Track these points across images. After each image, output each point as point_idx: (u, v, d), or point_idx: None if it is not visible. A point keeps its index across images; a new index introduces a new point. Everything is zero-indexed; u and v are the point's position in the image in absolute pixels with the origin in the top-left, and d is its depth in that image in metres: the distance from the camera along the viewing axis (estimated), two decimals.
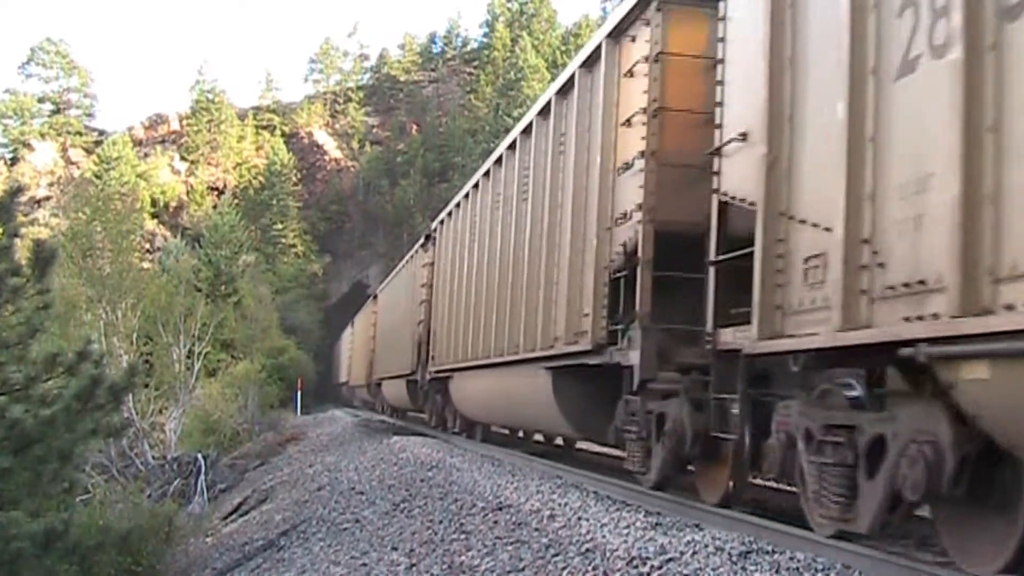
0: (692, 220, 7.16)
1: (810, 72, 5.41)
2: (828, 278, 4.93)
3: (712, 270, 6.47)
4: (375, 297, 30.74)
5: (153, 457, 20.52)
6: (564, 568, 5.16)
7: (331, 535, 8.92)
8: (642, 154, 7.52)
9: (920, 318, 4.16)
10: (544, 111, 10.88)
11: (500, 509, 7.22)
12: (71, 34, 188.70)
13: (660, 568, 4.63)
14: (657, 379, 7.24)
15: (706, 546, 4.89)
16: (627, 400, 7.74)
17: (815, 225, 5.14)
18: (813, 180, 5.26)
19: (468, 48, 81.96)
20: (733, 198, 6.23)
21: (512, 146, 12.44)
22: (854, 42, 4.82)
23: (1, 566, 8.21)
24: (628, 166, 7.85)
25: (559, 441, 14.99)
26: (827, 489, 4.96)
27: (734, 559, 4.58)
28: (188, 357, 25.89)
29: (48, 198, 60.38)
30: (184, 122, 73.37)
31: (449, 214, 17.21)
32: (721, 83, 6.52)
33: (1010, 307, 3.67)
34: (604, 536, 5.52)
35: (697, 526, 5.64)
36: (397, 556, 6.98)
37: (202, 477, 19.09)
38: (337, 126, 76.61)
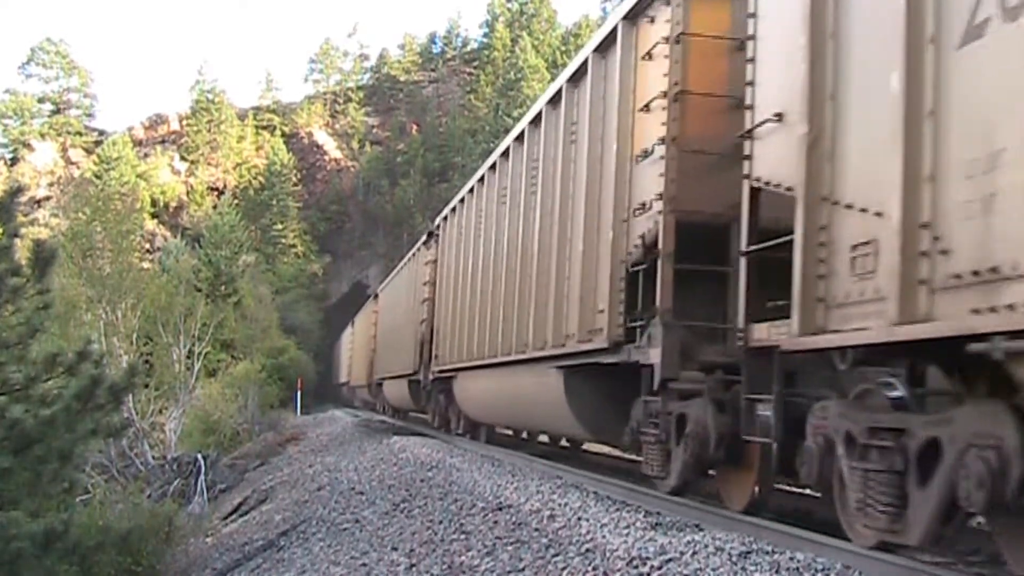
0: (715, 210, 6.86)
1: (855, 44, 5.02)
2: (880, 267, 4.54)
3: (743, 261, 6.05)
4: (376, 296, 30.49)
5: (153, 457, 20.52)
6: (564, 568, 5.16)
7: (331, 535, 8.92)
8: (662, 140, 7.13)
9: (993, 310, 3.79)
10: (554, 100, 10.44)
11: (500, 509, 7.22)
12: (71, 34, 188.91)
13: (660, 568, 4.63)
14: (679, 378, 6.87)
15: (706, 546, 4.88)
16: (646, 401, 7.40)
17: (863, 210, 4.74)
18: (860, 161, 4.88)
19: (468, 48, 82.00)
20: (767, 183, 5.84)
21: (520, 138, 12.00)
22: (910, 9, 4.43)
23: (1, 566, 8.21)
24: (647, 154, 7.46)
25: (564, 443, 14.76)
26: (873, 498, 4.59)
27: (734, 559, 4.58)
28: (188, 357, 25.91)
29: (48, 198, 60.41)
30: (184, 122, 73.42)
31: (453, 210, 16.74)
32: (752, 61, 6.12)
33: None
34: (604, 536, 5.52)
35: (697, 526, 5.64)
36: (397, 556, 6.98)
37: (202, 477, 19.09)
38: (337, 126, 76.64)
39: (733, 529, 5.53)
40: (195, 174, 70.20)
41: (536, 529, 6.23)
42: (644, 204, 7.44)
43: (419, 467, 11.17)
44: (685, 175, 7.02)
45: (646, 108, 7.55)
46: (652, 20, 7.77)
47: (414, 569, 6.47)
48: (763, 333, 5.78)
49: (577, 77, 9.63)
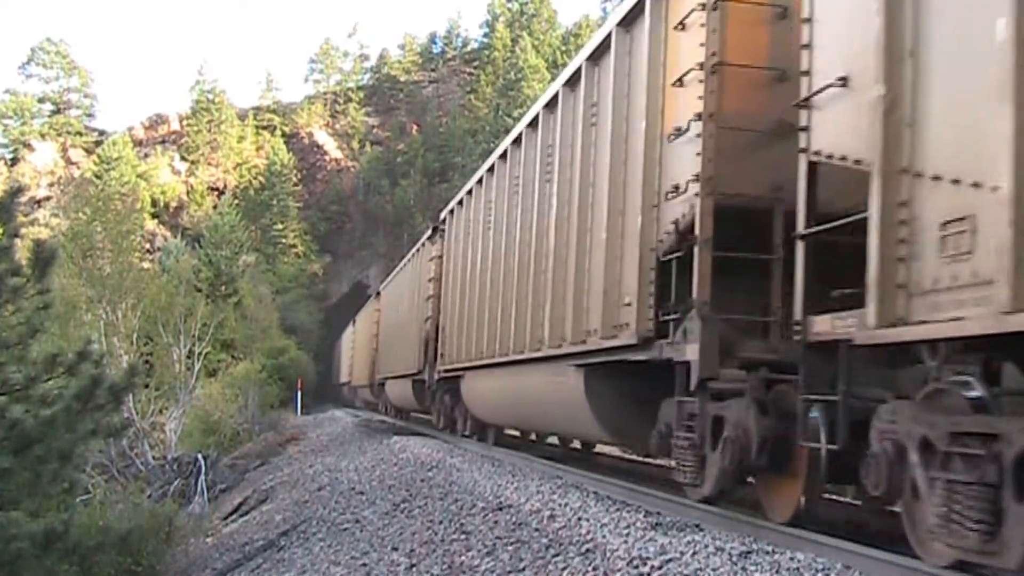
0: (756, 193, 6.36)
1: None
2: (980, 246, 3.97)
3: (800, 246, 5.45)
4: (378, 294, 30.10)
5: (153, 457, 20.53)
6: (564, 568, 5.16)
7: (331, 535, 8.92)
8: (699, 116, 6.49)
9: None
10: (572, 80, 9.76)
11: (500, 509, 7.22)
12: (71, 34, 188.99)
13: (660, 568, 4.63)
14: (719, 377, 6.28)
15: (706, 546, 4.89)
16: (680, 402, 6.73)
17: (955, 181, 4.17)
18: (950, 126, 4.30)
19: (468, 48, 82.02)
20: (829, 156, 5.25)
21: (533, 124, 11.28)
22: None
23: (1, 566, 8.21)
24: (680, 132, 6.81)
25: (576, 444, 14.34)
26: (960, 513, 4.07)
27: (734, 559, 4.58)
28: (188, 357, 25.91)
29: (48, 198, 60.44)
30: (184, 122, 73.45)
31: (460, 203, 16.00)
32: (808, 21, 5.53)
33: None
34: (604, 536, 5.52)
35: (697, 526, 5.64)
36: (397, 556, 6.98)
37: (202, 477, 19.09)
38: (337, 126, 76.67)
39: (733, 529, 5.53)
40: (195, 174, 70.23)
41: (536, 529, 6.23)
42: (677, 187, 6.80)
43: (419, 467, 11.17)
44: (724, 154, 6.41)
45: (679, 82, 6.93)
46: None
47: (414, 569, 6.47)
48: (825, 326, 5.20)
49: (598, 54, 8.97)
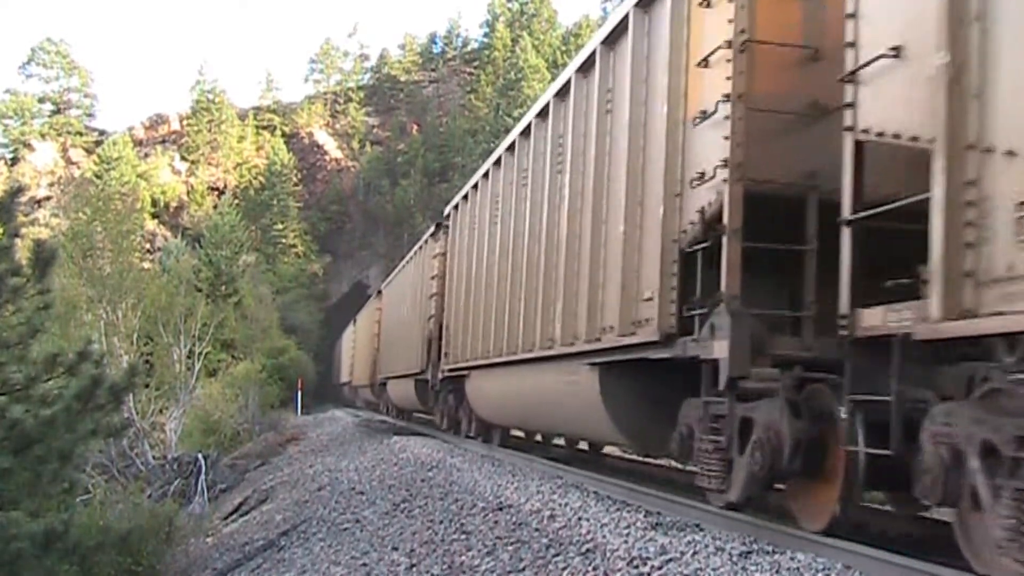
0: (788, 179, 6.02)
1: None
2: None
3: (847, 233, 5.08)
4: (380, 293, 29.76)
5: (153, 457, 20.53)
6: (564, 568, 5.16)
7: (331, 535, 8.92)
8: (727, 98, 6.12)
9: None
10: (585, 66, 9.28)
11: (500, 509, 7.22)
12: (71, 34, 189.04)
13: (660, 568, 4.63)
14: (750, 376, 5.89)
15: (707, 546, 4.89)
16: (706, 402, 6.37)
17: None
18: None
19: (468, 48, 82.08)
20: (879, 134, 4.86)
21: (543, 113, 10.80)
22: None
23: (1, 566, 8.21)
24: (706, 115, 6.44)
25: (583, 446, 14.01)
26: None
27: (735, 559, 4.58)
28: (188, 357, 25.92)
29: (48, 198, 60.47)
30: (184, 122, 73.50)
31: (465, 198, 15.48)
32: None
33: None
34: (604, 536, 5.52)
35: (698, 526, 5.64)
36: (397, 556, 6.98)
37: (202, 477, 19.09)
38: (337, 126, 76.71)
39: (734, 529, 5.53)
40: (195, 174, 70.27)
41: (536, 529, 6.23)
42: (703, 174, 6.42)
43: (419, 467, 11.17)
44: (754, 138, 6.04)
45: (704, 63, 6.55)
46: None
47: (414, 569, 6.47)
48: (875, 320, 4.81)
49: (614, 38, 8.52)
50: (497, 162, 13.14)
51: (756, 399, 5.88)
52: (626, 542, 5.25)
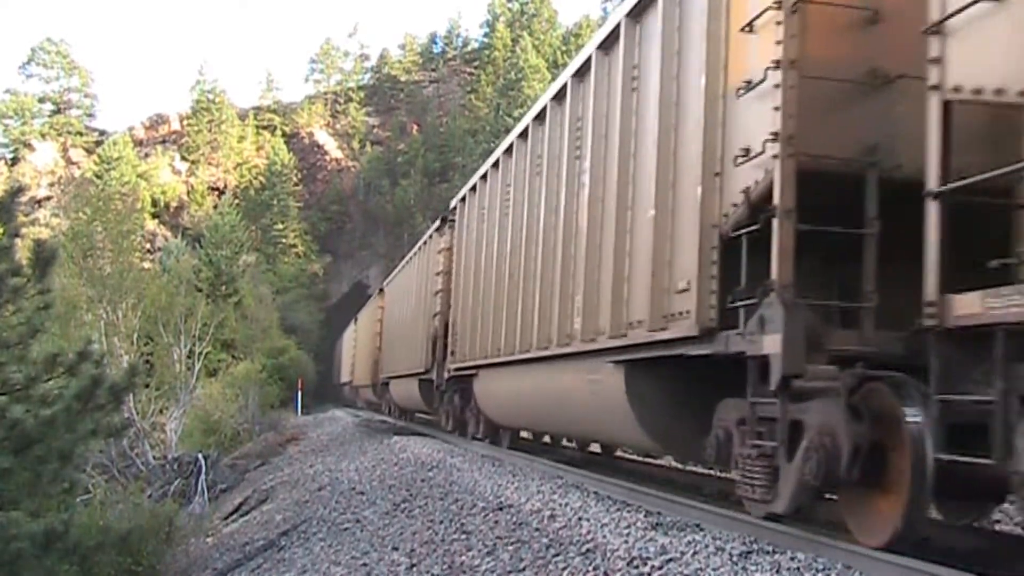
0: (846, 155, 5.44)
1: None
2: None
3: (934, 208, 4.51)
4: (382, 291, 29.30)
5: (154, 457, 20.54)
6: (565, 568, 5.16)
7: (332, 535, 8.92)
8: (777, 64, 5.51)
9: None
10: (607, 42, 8.66)
11: (501, 509, 7.21)
12: (71, 34, 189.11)
13: (661, 568, 4.62)
14: (806, 374, 5.25)
15: (707, 546, 4.88)
16: (752, 404, 5.79)
17: None
18: None
19: (469, 48, 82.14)
20: (976, 92, 4.33)
21: (559, 95, 10.17)
22: None
23: (1, 566, 8.22)
24: (751, 85, 5.86)
25: (595, 448, 13.54)
26: None
27: (735, 559, 4.58)
28: (188, 357, 25.93)
29: (49, 198, 60.51)
30: (184, 122, 73.55)
31: (473, 189, 14.75)
32: None
33: None
34: (605, 536, 5.52)
35: (698, 526, 5.63)
36: (398, 556, 6.98)
37: (203, 477, 19.10)
38: (338, 126, 76.76)
39: (734, 529, 5.52)
40: (196, 174, 70.32)
41: (537, 529, 6.23)
42: (748, 150, 5.84)
43: (420, 467, 11.17)
44: (807, 109, 5.44)
45: (749, 28, 5.97)
46: None
47: (415, 569, 6.47)
48: (973, 307, 4.27)
49: (640, 10, 7.93)
50: (508, 150, 12.50)
51: (806, 400, 5.32)
52: (626, 542, 5.25)
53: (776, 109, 5.46)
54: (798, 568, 4.35)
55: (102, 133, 72.85)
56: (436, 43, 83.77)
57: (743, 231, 5.84)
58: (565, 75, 10.15)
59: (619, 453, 13.17)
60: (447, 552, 6.49)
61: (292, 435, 24.74)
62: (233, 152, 72.06)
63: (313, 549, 8.67)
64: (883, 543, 4.74)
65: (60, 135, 71.40)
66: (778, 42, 5.49)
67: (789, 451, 5.41)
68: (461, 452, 12.40)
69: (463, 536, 6.76)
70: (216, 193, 68.92)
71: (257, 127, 75.50)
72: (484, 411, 13.79)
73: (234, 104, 75.98)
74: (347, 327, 43.09)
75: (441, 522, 7.47)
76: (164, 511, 13.75)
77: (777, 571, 4.34)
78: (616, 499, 7.09)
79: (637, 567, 4.73)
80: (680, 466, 11.06)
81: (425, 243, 20.13)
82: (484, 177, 13.98)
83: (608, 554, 5.09)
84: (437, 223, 18.08)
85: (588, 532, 5.74)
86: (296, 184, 69.87)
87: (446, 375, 15.74)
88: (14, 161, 68.91)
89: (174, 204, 67.05)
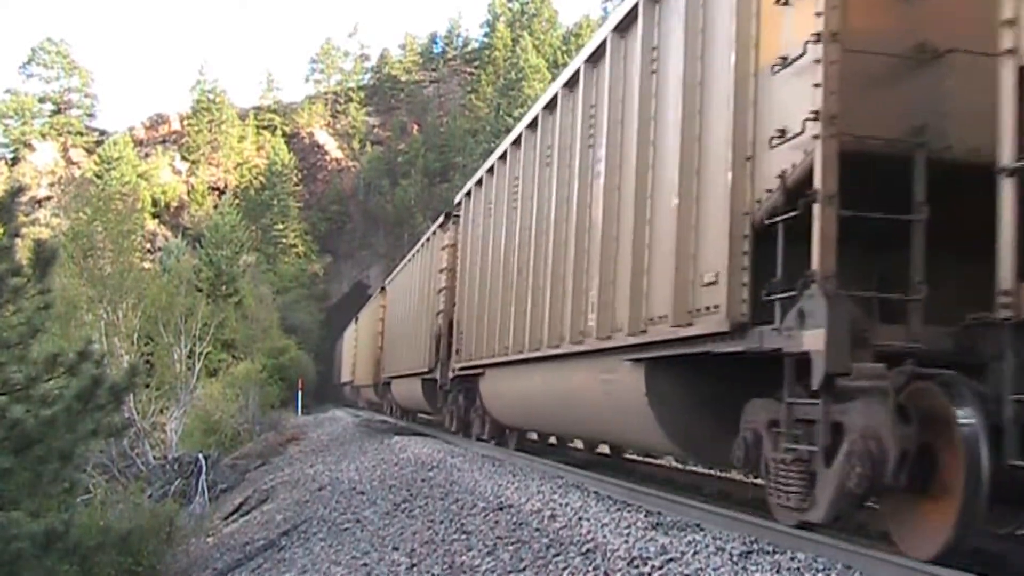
0: (891, 135, 5.02)
1: None
2: None
3: (1008, 186, 4.15)
4: (383, 289, 29.00)
5: (154, 457, 20.54)
6: (565, 568, 5.16)
7: (332, 535, 8.92)
8: (817, 38, 5.08)
9: None
10: (623, 25, 8.23)
11: (501, 509, 7.21)
12: (71, 34, 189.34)
13: (661, 568, 4.62)
14: (851, 372, 4.83)
15: (707, 546, 4.88)
16: (789, 404, 5.35)
17: None
18: None
19: (469, 48, 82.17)
20: None
21: (571, 83, 9.74)
22: None
23: (1, 566, 8.22)
24: (788, 61, 5.43)
25: (604, 449, 13.18)
26: None
27: (735, 559, 4.57)
28: (189, 357, 25.93)
29: (49, 198, 60.53)
30: (185, 122, 73.61)
31: (479, 183, 14.26)
32: None
33: None
34: (605, 536, 5.52)
35: (698, 526, 5.63)
36: (398, 556, 6.98)
37: (203, 477, 19.10)
38: (338, 126, 76.81)
39: (734, 529, 5.52)
40: (196, 174, 70.37)
41: (537, 529, 6.23)
42: (783, 131, 5.43)
43: (420, 467, 11.16)
44: (850, 86, 5.02)
45: (785, 0, 5.58)
46: None
47: (415, 569, 6.47)
48: None
49: None
50: (516, 142, 12.00)
51: (847, 400, 4.91)
52: (626, 542, 5.25)
53: (816, 86, 5.06)
54: (798, 568, 4.35)
55: (102, 133, 72.91)
56: (436, 43, 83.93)
57: (779, 218, 5.39)
58: (577, 61, 9.74)
59: (626, 454, 13.14)
60: (447, 552, 6.49)
61: (292, 435, 24.73)
62: (233, 152, 72.12)
63: (313, 549, 8.67)
64: (932, 555, 4.41)
65: (60, 135, 71.45)
66: (818, 14, 5.08)
67: (828, 456, 5.04)
68: (462, 452, 12.39)
69: (463, 536, 6.76)
70: (216, 193, 68.98)
71: (257, 127, 75.57)
72: (490, 412, 13.46)
73: (234, 104, 76.17)
74: (348, 327, 43.06)
75: (441, 522, 7.47)
76: (164, 511, 13.74)
77: (777, 571, 4.33)
78: (616, 499, 7.09)
79: (637, 567, 4.73)
80: (680, 466, 11.05)
81: (428, 240, 19.76)
82: (491, 170, 13.55)
83: (608, 554, 5.09)
84: (441, 219, 17.69)
85: (588, 532, 5.73)
86: (296, 184, 69.92)
87: (450, 375, 15.42)
88: (14, 161, 68.95)
89: (174, 204, 67.10)
